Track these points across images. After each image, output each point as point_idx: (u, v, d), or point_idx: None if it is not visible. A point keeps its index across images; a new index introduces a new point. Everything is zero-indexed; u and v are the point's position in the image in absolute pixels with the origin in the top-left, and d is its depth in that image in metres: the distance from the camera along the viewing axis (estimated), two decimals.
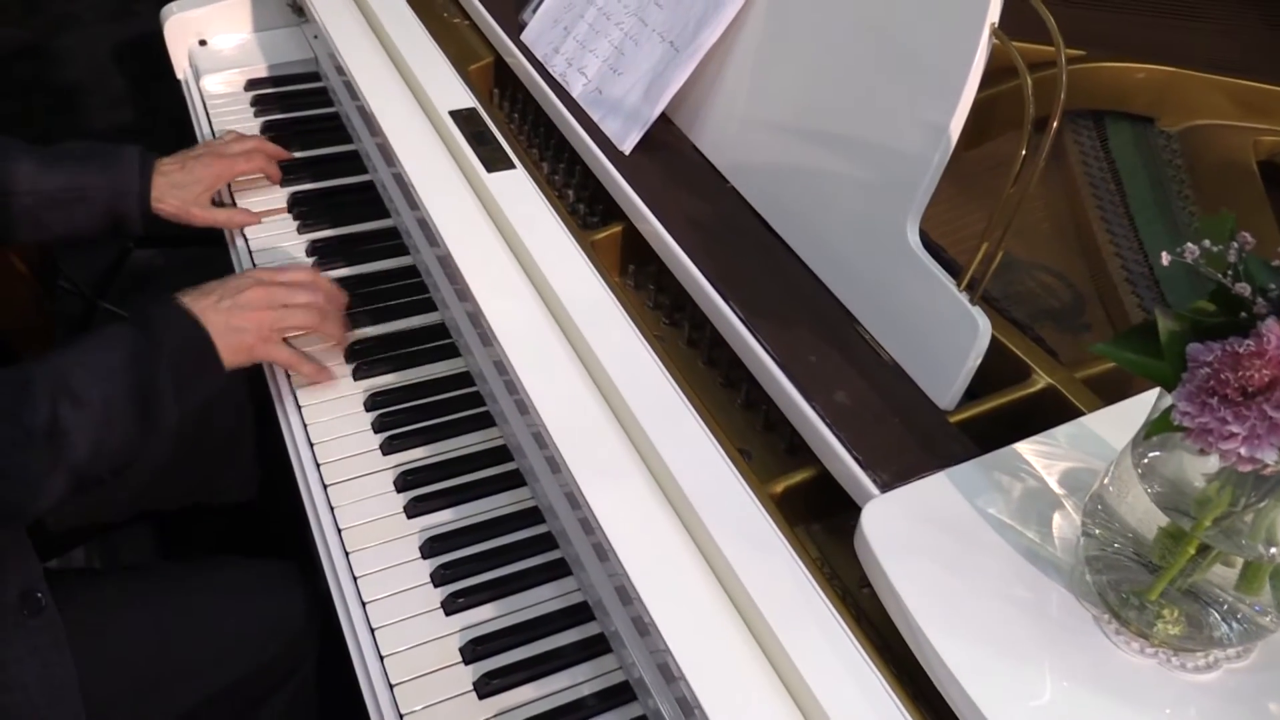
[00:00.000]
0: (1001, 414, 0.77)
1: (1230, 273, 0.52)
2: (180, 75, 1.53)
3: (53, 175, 1.15)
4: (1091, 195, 1.06)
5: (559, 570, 0.94)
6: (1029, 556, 0.65)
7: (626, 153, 0.97)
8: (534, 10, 1.11)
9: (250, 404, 1.25)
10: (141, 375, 0.91)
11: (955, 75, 0.74)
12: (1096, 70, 1.11)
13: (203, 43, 1.53)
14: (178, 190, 1.20)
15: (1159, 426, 0.54)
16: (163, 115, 2.62)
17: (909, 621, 0.63)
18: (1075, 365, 0.80)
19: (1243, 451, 0.48)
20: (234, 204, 1.30)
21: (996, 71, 0.76)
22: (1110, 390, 0.76)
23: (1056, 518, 0.67)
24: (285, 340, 1.05)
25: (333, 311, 1.08)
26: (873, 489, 0.70)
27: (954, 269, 0.77)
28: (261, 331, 1.00)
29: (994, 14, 0.73)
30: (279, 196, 1.31)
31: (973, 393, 0.77)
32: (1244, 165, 1.10)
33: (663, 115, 0.97)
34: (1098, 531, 0.63)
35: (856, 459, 0.72)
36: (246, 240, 1.26)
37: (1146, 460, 0.60)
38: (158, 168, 1.20)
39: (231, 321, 0.98)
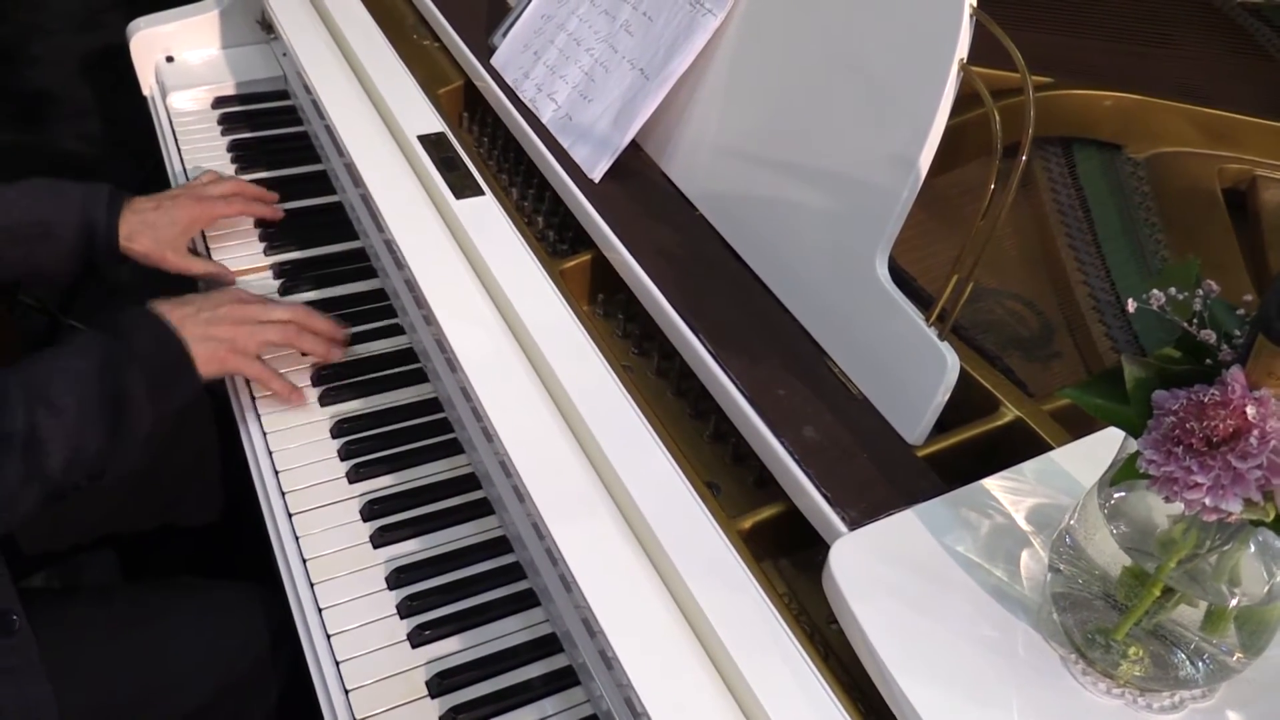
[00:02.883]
0: (969, 447, 0.77)
1: (1195, 319, 0.52)
2: (146, 92, 1.52)
3: (13, 209, 1.11)
4: (1060, 222, 1.06)
5: (527, 601, 0.93)
6: (996, 595, 0.65)
7: (596, 180, 0.97)
8: (504, 34, 1.10)
9: (215, 426, 1.23)
10: (115, 382, 0.91)
11: (924, 110, 0.74)
12: (1065, 97, 1.12)
13: (170, 59, 1.52)
14: (151, 230, 1.16)
15: (1125, 473, 0.53)
16: (129, 125, 2.60)
17: (876, 661, 0.62)
18: (1043, 398, 0.80)
19: (1207, 501, 0.48)
20: (206, 243, 1.26)
21: (965, 98, 0.76)
22: (1078, 423, 0.76)
23: (1024, 555, 0.67)
24: (259, 357, 1.04)
25: (310, 329, 1.07)
26: (841, 526, 0.70)
27: (922, 298, 0.77)
28: (236, 343, 1.01)
29: (963, 50, 0.73)
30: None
31: (941, 424, 0.77)
32: (1209, 192, 1.10)
33: (632, 142, 0.97)
34: (1064, 569, 0.63)
35: (825, 496, 0.72)
36: None
37: (1113, 500, 0.60)
38: (130, 204, 1.16)
39: (209, 331, 0.99)
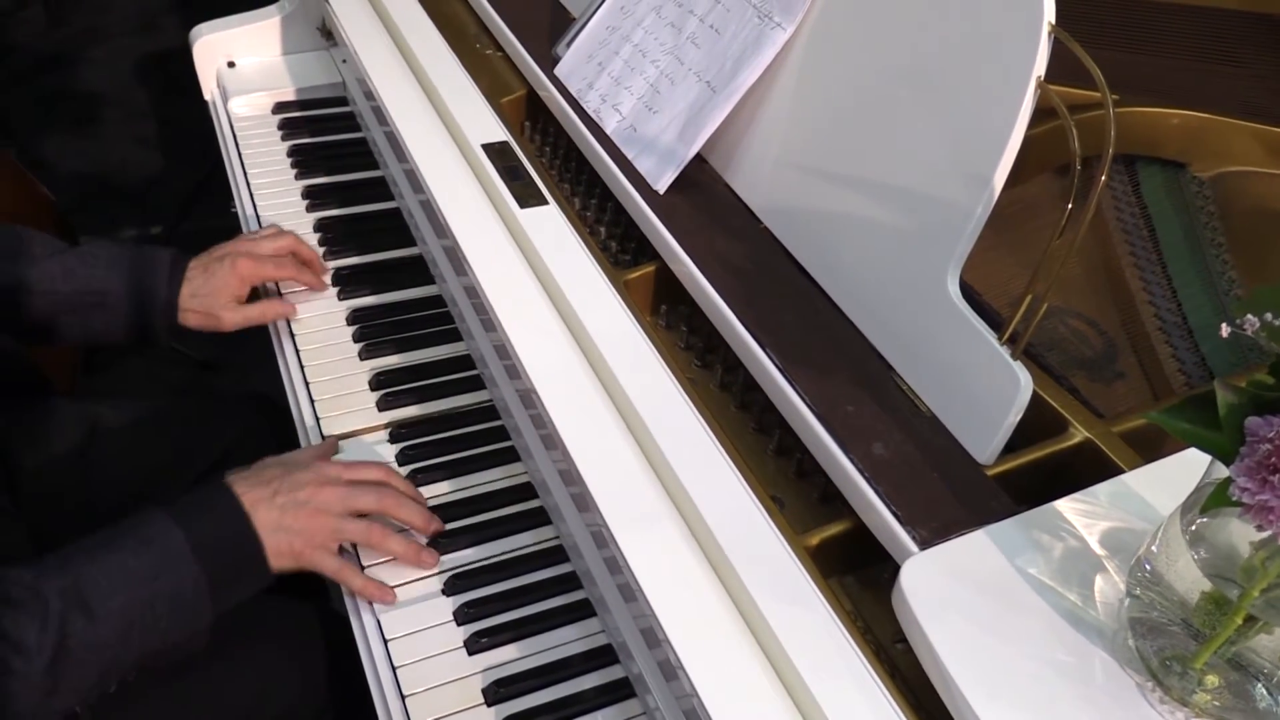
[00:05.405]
0: (1038, 467, 0.76)
1: None
2: (208, 96, 1.54)
3: (74, 277, 1.09)
4: (1124, 241, 1.05)
5: (582, 611, 0.93)
6: (1070, 619, 0.64)
7: (661, 192, 0.97)
8: (568, 44, 1.11)
9: (269, 432, 1.24)
10: (172, 581, 0.84)
11: (1000, 127, 0.74)
12: (1130, 115, 1.11)
13: (231, 64, 1.54)
14: (200, 299, 1.14)
15: (1215, 500, 0.53)
16: (186, 127, 2.64)
17: (948, 682, 0.62)
18: (1112, 419, 0.79)
19: None
20: None
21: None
22: (1147, 445, 0.76)
23: (1098, 580, 0.66)
24: (340, 549, 0.95)
25: (399, 516, 0.96)
26: (911, 546, 0.69)
27: (987, 313, 0.76)
28: (314, 539, 0.91)
29: (1040, 67, 0.72)
30: (306, 221, 1.31)
31: (1009, 444, 0.76)
32: (1276, 213, 1.09)
33: (697, 154, 0.97)
34: (1141, 594, 0.62)
35: (895, 514, 0.71)
36: None
37: (1194, 526, 0.59)
38: (185, 274, 1.14)
39: (284, 520, 0.90)
